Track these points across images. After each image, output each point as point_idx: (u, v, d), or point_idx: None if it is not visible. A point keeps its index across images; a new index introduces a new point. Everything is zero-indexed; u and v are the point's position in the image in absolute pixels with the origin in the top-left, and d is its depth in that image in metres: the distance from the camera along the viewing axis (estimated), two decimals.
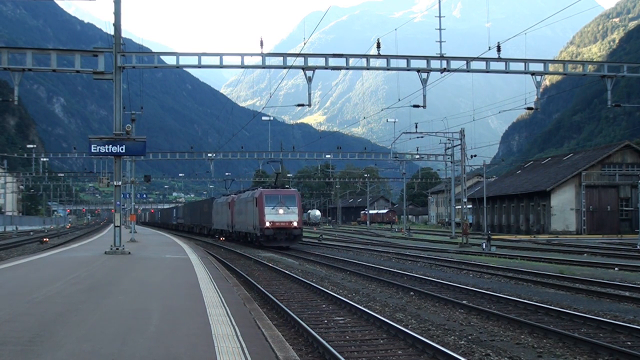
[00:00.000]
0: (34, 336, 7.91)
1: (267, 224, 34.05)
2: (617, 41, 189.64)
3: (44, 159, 74.82)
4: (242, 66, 25.83)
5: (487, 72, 26.11)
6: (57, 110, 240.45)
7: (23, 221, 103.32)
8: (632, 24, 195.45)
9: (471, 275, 20.51)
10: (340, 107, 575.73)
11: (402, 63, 25.80)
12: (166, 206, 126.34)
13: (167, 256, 23.71)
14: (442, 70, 25.25)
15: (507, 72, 26.20)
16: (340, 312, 12.92)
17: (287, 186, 41.89)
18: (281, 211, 34.32)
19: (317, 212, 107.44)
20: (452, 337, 10.38)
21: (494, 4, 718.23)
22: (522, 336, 10.44)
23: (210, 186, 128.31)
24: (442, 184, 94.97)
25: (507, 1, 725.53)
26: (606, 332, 10.71)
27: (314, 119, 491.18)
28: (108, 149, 22.53)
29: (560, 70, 29.52)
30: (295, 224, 34.48)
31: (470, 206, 66.68)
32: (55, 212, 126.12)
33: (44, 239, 48.36)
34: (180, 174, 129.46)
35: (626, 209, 55.89)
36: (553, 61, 29.94)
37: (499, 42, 24.71)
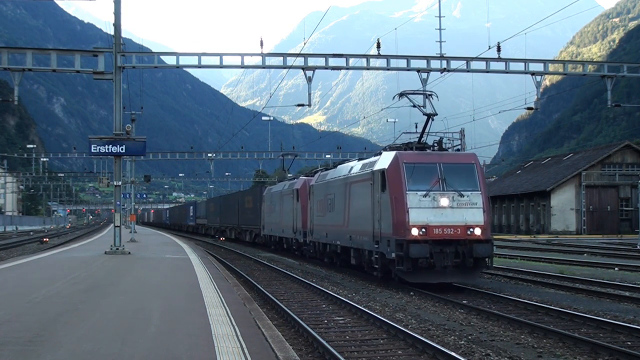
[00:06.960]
0: (34, 336, 7.91)
1: (414, 232, 15.23)
2: (617, 41, 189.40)
3: (44, 159, 75.09)
4: (242, 66, 25.86)
5: (487, 72, 26.15)
6: (57, 110, 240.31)
7: (23, 221, 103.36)
8: (632, 24, 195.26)
9: None
10: (340, 107, 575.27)
11: (402, 63, 25.83)
12: (166, 206, 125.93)
13: (167, 256, 23.73)
14: (442, 70, 25.26)
15: (507, 72, 26.25)
16: (340, 312, 12.91)
17: (449, 148, 20.23)
18: (445, 201, 15.58)
19: None
20: (452, 337, 10.37)
21: (494, 4, 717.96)
22: (522, 336, 10.43)
23: (210, 186, 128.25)
24: None
25: (507, 1, 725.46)
26: (606, 332, 10.70)
27: (314, 119, 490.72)
28: (108, 149, 22.59)
29: (560, 70, 29.57)
30: (478, 231, 15.58)
31: None
32: (55, 212, 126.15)
33: (44, 239, 48.34)
34: (180, 174, 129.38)
35: (626, 209, 55.89)
36: (553, 61, 29.98)
37: (499, 42, 24.72)
